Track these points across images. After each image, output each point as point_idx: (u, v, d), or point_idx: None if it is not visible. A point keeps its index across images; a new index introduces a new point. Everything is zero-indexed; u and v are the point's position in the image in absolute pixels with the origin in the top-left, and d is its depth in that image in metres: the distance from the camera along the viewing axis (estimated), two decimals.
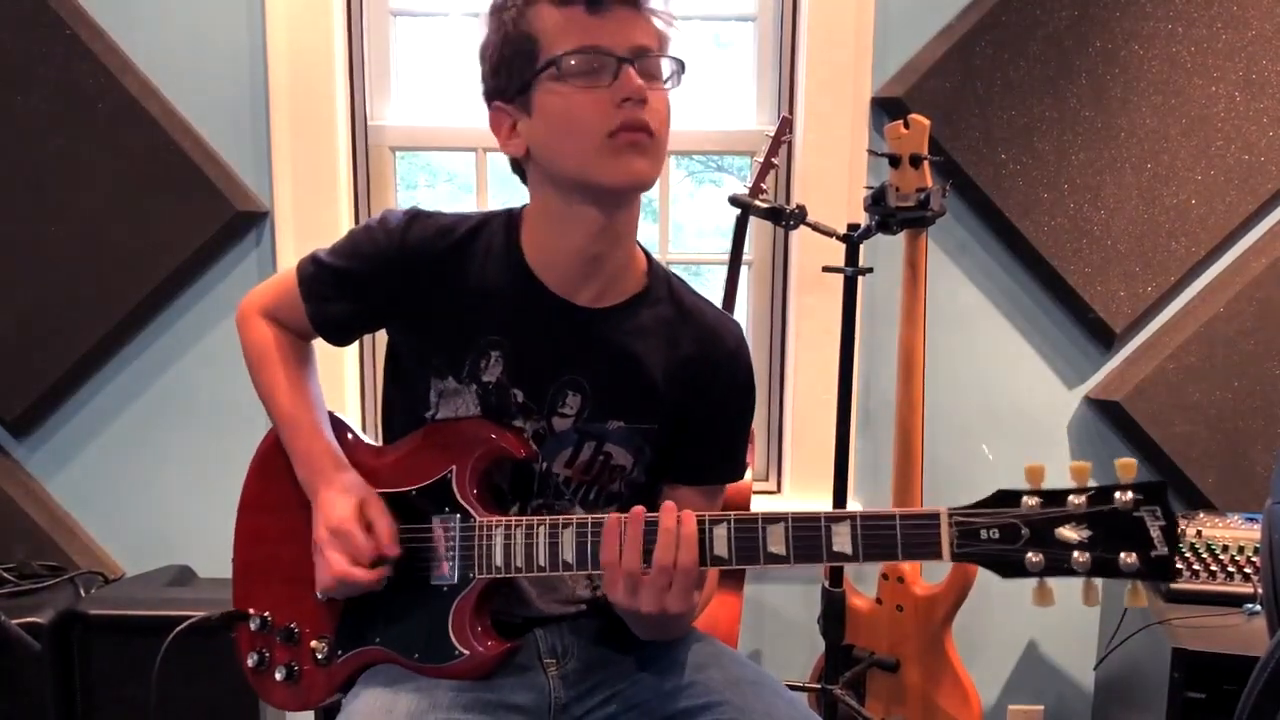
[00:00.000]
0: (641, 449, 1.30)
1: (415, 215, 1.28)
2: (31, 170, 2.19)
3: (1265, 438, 2.26)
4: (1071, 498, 0.97)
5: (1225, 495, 2.27)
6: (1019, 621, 2.44)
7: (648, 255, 1.32)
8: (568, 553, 1.17)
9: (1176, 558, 0.94)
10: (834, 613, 2.00)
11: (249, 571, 1.37)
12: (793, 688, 2.03)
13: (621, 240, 1.24)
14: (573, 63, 1.14)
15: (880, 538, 1.04)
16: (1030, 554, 0.97)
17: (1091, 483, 0.99)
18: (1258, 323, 2.25)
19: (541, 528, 1.18)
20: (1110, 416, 2.33)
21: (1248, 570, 1.93)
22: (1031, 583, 0.99)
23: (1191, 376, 2.26)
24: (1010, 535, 0.98)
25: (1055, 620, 2.43)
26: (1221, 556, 1.97)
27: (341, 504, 1.23)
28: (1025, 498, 0.99)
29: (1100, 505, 0.96)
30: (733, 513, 1.10)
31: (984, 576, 2.04)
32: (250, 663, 1.33)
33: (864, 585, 2.25)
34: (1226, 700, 1.71)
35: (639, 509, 1.12)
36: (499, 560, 1.20)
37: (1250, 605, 1.86)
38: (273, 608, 1.32)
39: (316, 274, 1.30)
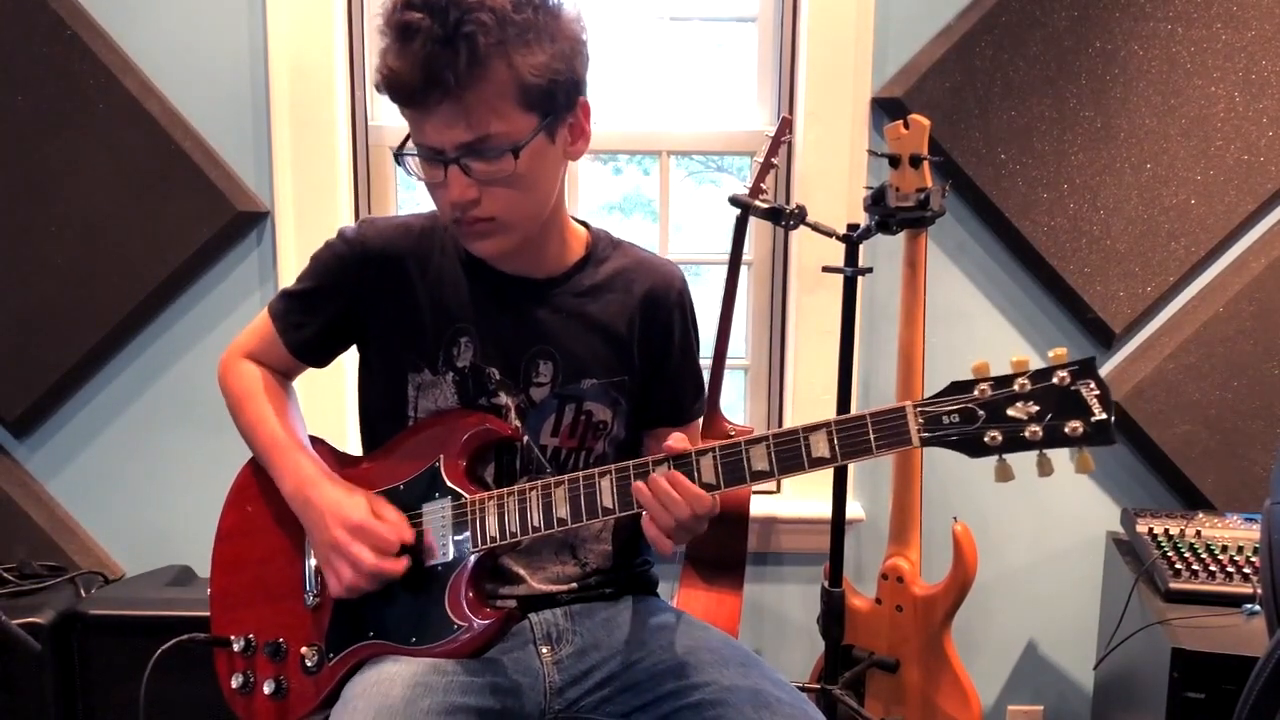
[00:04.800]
0: (617, 401, 1.38)
1: (370, 220, 1.37)
2: (31, 170, 2.19)
3: (1265, 438, 2.26)
4: (1017, 380, 1.08)
5: (1225, 495, 2.27)
6: (1018, 621, 2.44)
7: (582, 222, 1.40)
8: (561, 509, 1.21)
9: (1113, 419, 1.05)
10: (834, 613, 2.00)
11: (227, 598, 1.38)
12: None
13: (543, 230, 1.30)
14: (412, 160, 1.21)
15: (855, 437, 1.11)
16: (989, 433, 1.07)
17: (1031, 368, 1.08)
18: (1257, 323, 2.25)
19: (533, 492, 1.23)
20: None
21: (1247, 570, 1.93)
22: (992, 462, 1.09)
23: (1191, 376, 2.26)
24: (969, 418, 1.08)
25: (1055, 620, 2.43)
26: (1221, 557, 1.97)
27: (351, 504, 1.25)
28: (977, 385, 1.09)
29: (1042, 383, 1.06)
30: (717, 442, 1.16)
31: (983, 576, 2.06)
32: (234, 684, 1.33)
33: (863, 585, 2.25)
34: (1226, 700, 1.71)
35: (659, 485, 1.15)
36: (494, 530, 1.24)
37: (1250, 605, 1.86)
38: (256, 629, 1.33)
39: (287, 306, 1.38)
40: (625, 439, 1.42)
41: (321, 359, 1.42)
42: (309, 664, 1.28)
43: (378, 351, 1.38)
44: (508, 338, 1.32)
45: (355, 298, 1.33)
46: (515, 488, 1.24)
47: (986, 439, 1.07)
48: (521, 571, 1.34)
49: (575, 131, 1.25)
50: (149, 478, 2.35)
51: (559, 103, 1.19)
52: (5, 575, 2.12)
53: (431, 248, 1.33)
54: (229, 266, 2.29)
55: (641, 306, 1.37)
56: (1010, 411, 1.06)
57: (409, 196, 2.44)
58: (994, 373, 1.09)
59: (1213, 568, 1.94)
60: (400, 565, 1.23)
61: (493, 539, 1.24)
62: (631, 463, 1.19)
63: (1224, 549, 1.99)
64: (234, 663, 1.34)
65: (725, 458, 1.15)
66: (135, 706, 1.42)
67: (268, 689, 1.30)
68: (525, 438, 1.33)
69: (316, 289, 1.35)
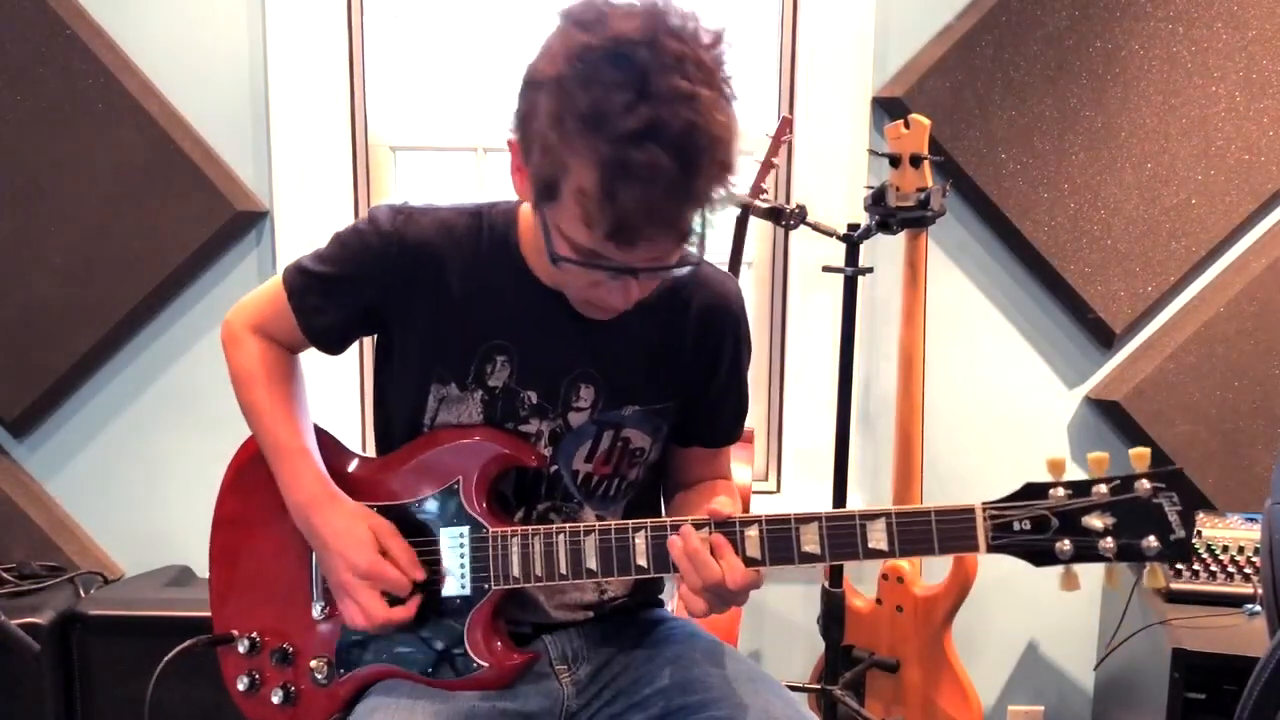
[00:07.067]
0: (659, 427, 1.29)
1: (408, 212, 1.21)
2: (31, 170, 2.19)
3: (1265, 438, 2.26)
4: (1096, 487, 1.01)
5: (1225, 495, 2.27)
6: (1019, 622, 2.44)
7: None
8: (591, 561, 1.15)
9: (1191, 538, 1.02)
10: (834, 613, 2.00)
11: (230, 592, 1.31)
12: (793, 688, 2.03)
13: None
14: (574, 260, 1.07)
15: (916, 533, 1.06)
16: (1060, 542, 1.01)
17: (1110, 471, 1.02)
18: (1258, 323, 2.25)
19: (560, 536, 1.16)
20: (1110, 416, 2.33)
21: (1248, 570, 1.93)
22: (1059, 569, 1.03)
23: (1191, 376, 2.26)
24: (1041, 526, 1.02)
25: (1055, 620, 2.43)
26: (1221, 557, 1.97)
27: (356, 539, 1.18)
28: (1052, 489, 1.02)
29: (1123, 494, 1.01)
30: (764, 514, 1.10)
31: (983, 576, 2.06)
32: (240, 687, 1.27)
33: (864, 585, 2.25)
34: (1226, 700, 1.71)
35: (692, 543, 1.09)
36: (516, 570, 1.17)
37: (1250, 605, 1.86)
38: (261, 628, 1.27)
39: (305, 284, 1.24)
40: (659, 460, 1.34)
41: (337, 348, 1.29)
42: (319, 677, 1.24)
43: (401, 353, 1.25)
44: (550, 360, 1.22)
45: (382, 295, 1.21)
46: (541, 528, 1.17)
47: (1057, 550, 1.01)
48: (540, 598, 1.28)
49: None
50: (148, 478, 2.34)
51: None
52: (5, 575, 2.12)
53: (473, 253, 1.19)
54: (228, 266, 2.29)
55: (694, 325, 1.26)
56: (1086, 520, 1.01)
57: (409, 197, 2.43)
58: (1069, 472, 1.03)
59: (1213, 568, 1.94)
60: (412, 611, 1.18)
61: (515, 580, 1.17)
62: (669, 520, 1.12)
63: (1224, 549, 1.99)
64: (240, 663, 1.27)
65: (772, 532, 1.08)
66: (134, 706, 1.42)
67: (276, 698, 1.25)
68: (553, 467, 1.25)
69: (339, 277, 1.22)
